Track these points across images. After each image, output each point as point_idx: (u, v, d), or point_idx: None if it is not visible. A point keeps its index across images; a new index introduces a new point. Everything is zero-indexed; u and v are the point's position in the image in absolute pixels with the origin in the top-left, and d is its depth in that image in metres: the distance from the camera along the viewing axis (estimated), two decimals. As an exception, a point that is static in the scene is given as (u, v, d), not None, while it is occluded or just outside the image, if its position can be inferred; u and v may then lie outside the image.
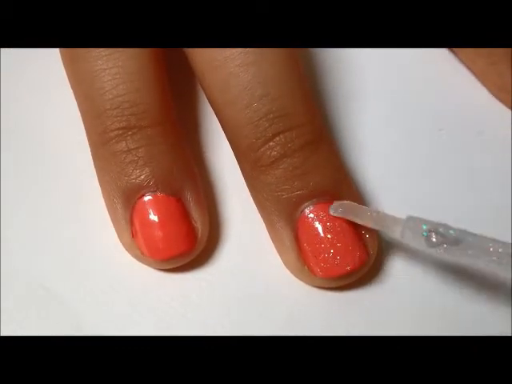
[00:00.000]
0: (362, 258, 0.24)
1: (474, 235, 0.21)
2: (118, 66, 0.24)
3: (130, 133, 0.24)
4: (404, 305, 0.24)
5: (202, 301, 0.25)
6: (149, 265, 0.25)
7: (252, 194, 0.25)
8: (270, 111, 0.23)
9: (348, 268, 0.23)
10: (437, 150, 0.28)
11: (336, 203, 0.24)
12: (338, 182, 0.24)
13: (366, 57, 0.30)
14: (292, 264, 0.24)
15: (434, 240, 0.21)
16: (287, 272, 0.25)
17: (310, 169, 0.24)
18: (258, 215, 0.26)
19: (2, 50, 0.29)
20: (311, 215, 0.24)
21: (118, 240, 0.25)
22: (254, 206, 0.26)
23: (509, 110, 0.29)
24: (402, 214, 0.26)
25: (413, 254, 0.25)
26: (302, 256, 0.24)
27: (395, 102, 0.29)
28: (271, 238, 0.25)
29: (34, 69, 0.29)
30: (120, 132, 0.24)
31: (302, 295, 0.25)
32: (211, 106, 0.25)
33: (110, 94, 0.24)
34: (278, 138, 0.24)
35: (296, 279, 0.25)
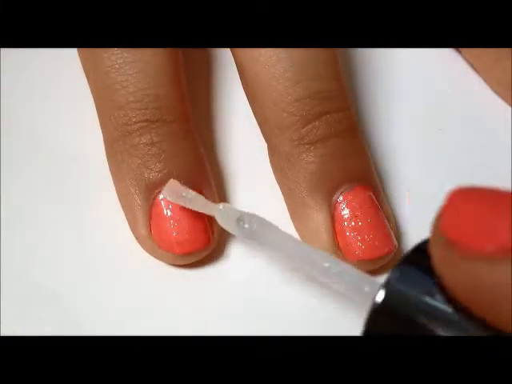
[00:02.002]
0: (394, 243, 0.25)
1: (274, 229, 0.22)
2: (144, 61, 0.24)
3: (154, 126, 0.24)
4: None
5: (202, 301, 0.25)
6: (162, 259, 0.25)
7: (283, 175, 0.25)
8: (319, 90, 0.24)
9: (386, 250, 0.24)
10: (436, 149, 0.28)
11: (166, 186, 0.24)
12: (371, 169, 0.25)
13: (368, 56, 0.30)
14: (323, 246, 0.24)
15: (241, 227, 0.22)
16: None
17: (351, 152, 0.25)
18: (267, 216, 0.25)
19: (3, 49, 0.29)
20: (352, 198, 0.24)
21: (118, 240, 0.25)
22: (260, 207, 0.26)
23: (509, 109, 0.29)
24: (399, 211, 0.26)
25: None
26: (337, 237, 0.24)
27: (396, 101, 0.29)
28: (298, 221, 0.25)
29: (35, 69, 0.29)
30: (144, 124, 0.24)
31: (302, 295, 0.25)
32: (250, 82, 0.25)
33: (134, 87, 0.24)
34: (324, 118, 0.24)
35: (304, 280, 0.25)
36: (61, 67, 0.29)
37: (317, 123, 0.24)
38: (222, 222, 0.23)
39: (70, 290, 0.24)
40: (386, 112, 0.29)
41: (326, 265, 0.20)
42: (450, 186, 0.27)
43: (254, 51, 0.24)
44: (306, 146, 0.24)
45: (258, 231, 0.22)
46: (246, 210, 0.26)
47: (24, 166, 0.27)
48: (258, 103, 0.25)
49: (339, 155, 0.24)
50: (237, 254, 0.25)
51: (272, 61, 0.24)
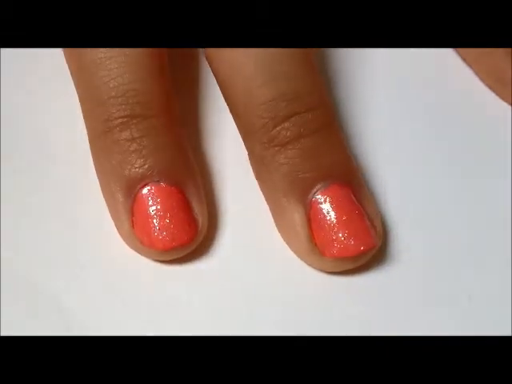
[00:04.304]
0: (373, 241, 0.24)
1: None
2: (124, 55, 0.24)
3: (134, 121, 0.24)
4: (404, 304, 0.24)
5: (200, 300, 0.24)
6: (147, 256, 0.25)
7: (260, 178, 0.25)
8: (287, 91, 0.24)
9: (362, 248, 0.24)
10: (436, 150, 0.28)
11: None
12: (349, 166, 0.25)
13: (367, 56, 0.30)
14: (302, 246, 0.24)
15: None
16: (286, 271, 0.25)
17: (324, 151, 0.24)
18: (255, 212, 0.25)
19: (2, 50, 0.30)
20: (326, 196, 0.24)
21: (113, 238, 0.25)
22: (249, 203, 0.26)
23: (510, 109, 0.29)
24: (398, 211, 0.26)
25: (409, 251, 0.25)
26: (314, 237, 0.24)
27: (395, 101, 0.29)
28: (278, 222, 0.25)
29: (33, 69, 0.29)
30: (124, 120, 0.24)
31: (301, 294, 0.24)
32: (222, 84, 0.25)
33: (115, 82, 0.24)
34: (293, 119, 0.24)
35: (294, 278, 0.25)
36: (59, 66, 0.29)
37: (286, 124, 0.24)
38: None
39: (70, 290, 0.24)
40: (385, 112, 0.29)
41: None
42: (450, 186, 0.27)
43: (223, 52, 0.24)
44: (277, 148, 0.24)
45: None
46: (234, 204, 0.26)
47: (20, 164, 0.27)
48: (231, 105, 0.25)
49: (311, 155, 0.24)
50: (235, 252, 0.25)
51: (240, 62, 0.24)
